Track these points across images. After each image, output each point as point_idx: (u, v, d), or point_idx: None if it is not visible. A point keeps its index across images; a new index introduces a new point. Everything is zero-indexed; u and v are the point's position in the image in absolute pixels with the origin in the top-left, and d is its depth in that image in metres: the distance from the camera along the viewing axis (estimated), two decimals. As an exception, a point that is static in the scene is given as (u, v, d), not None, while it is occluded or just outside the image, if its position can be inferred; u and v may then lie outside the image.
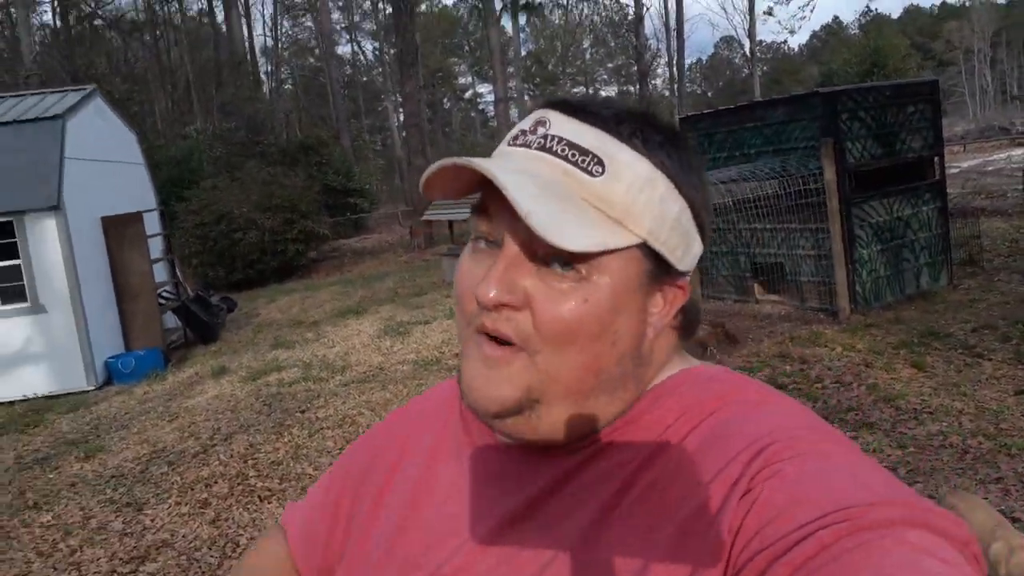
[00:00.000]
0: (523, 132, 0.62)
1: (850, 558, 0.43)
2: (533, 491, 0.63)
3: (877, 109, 6.99)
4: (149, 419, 6.54)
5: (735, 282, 7.89)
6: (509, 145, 0.63)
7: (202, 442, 5.69)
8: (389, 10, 33.52)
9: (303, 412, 6.06)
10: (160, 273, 9.99)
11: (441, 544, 0.66)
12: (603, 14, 60.44)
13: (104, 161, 9.44)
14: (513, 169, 0.57)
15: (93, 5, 32.72)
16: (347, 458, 0.85)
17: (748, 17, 37.52)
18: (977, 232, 8.31)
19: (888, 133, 7.06)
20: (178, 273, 10.87)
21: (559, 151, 0.59)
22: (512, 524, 0.62)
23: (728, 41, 67.59)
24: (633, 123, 0.61)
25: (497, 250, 0.60)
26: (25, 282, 8.13)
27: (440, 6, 56.97)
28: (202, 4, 40.82)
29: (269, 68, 47.18)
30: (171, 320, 10.06)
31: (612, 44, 66.26)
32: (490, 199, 0.59)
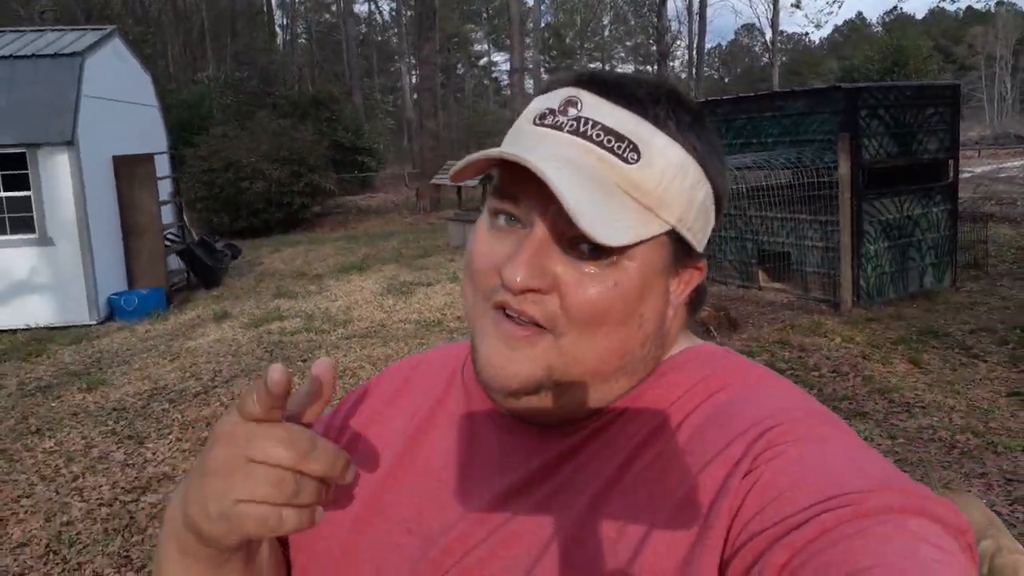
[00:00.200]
0: (551, 111, 0.59)
1: (850, 543, 0.44)
2: (534, 465, 0.62)
3: (897, 108, 7.00)
4: (151, 357, 6.61)
5: (740, 268, 7.94)
6: (536, 124, 0.60)
7: (203, 383, 5.77)
8: (411, -31, 33.15)
9: (304, 361, 6.13)
10: (167, 215, 10.01)
11: (435, 511, 0.65)
12: (626, -9, 59.79)
13: (119, 101, 9.42)
14: (551, 157, 0.55)
15: (112, -59, 32.29)
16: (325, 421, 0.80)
17: (772, 7, 37.15)
18: (984, 237, 8.35)
19: (905, 133, 7.07)
20: (184, 217, 10.89)
21: (594, 136, 0.57)
22: (511, 497, 0.62)
23: (749, 29, 67.03)
24: (666, 104, 0.60)
25: (519, 228, 0.59)
26: (34, 214, 8.17)
27: (462, -30, 56.31)
28: (222, -52, 40.31)
29: (285, 21, 46.78)
30: (174, 263, 10.10)
31: (632, 23, 65.59)
32: (517, 180, 0.56)
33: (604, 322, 0.58)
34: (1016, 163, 21.89)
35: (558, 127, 0.59)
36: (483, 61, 68.55)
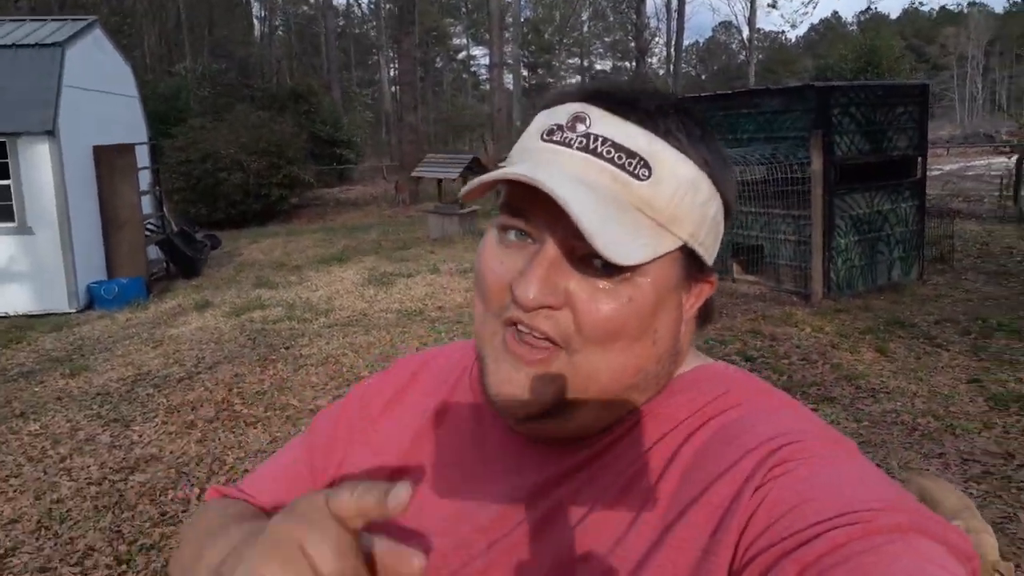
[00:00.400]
0: (559, 127, 0.59)
1: (861, 560, 0.44)
2: (540, 477, 0.62)
3: (868, 107, 7.20)
4: (133, 344, 6.66)
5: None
6: (543, 140, 0.59)
7: (187, 369, 5.83)
8: (391, -38, 33.05)
9: (287, 348, 6.21)
10: (146, 206, 10.01)
11: (437, 513, 0.65)
12: (605, -13, 59.97)
13: (100, 91, 9.41)
14: (563, 176, 0.55)
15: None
16: (318, 427, 0.81)
17: (749, 5, 37.51)
18: (950, 232, 8.60)
19: (876, 130, 7.28)
20: (164, 207, 10.88)
21: (604, 153, 0.57)
22: (516, 508, 0.62)
23: (726, 26, 67.51)
24: (675, 117, 0.59)
25: (530, 243, 0.58)
26: (14, 203, 8.17)
27: (441, -36, 56.13)
28: (199, -62, 39.88)
29: (262, 13, 46.40)
30: (153, 253, 10.10)
31: (611, 19, 65.78)
32: (527, 197, 0.56)
33: (618, 338, 0.57)
34: (984, 162, 22.38)
35: (567, 144, 0.58)
36: (462, 55, 68.42)
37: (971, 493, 3.37)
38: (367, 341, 6.29)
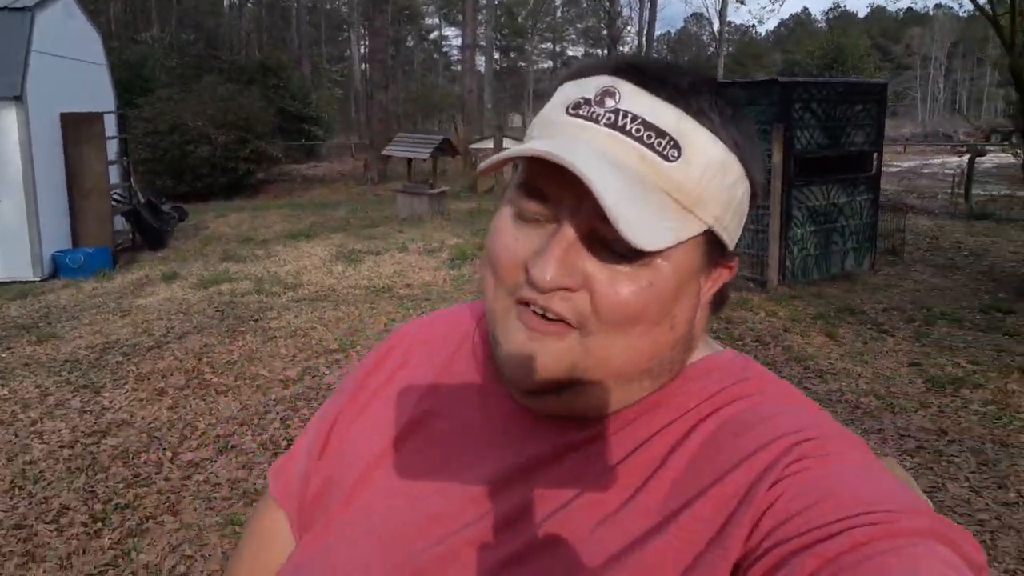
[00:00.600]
0: (586, 101, 0.57)
1: (884, 560, 0.43)
2: (534, 452, 0.61)
3: (828, 103, 7.45)
4: (100, 313, 6.68)
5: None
6: (568, 114, 0.57)
7: (156, 338, 5.88)
8: (364, -62, 32.69)
9: (256, 321, 6.29)
10: (113, 176, 9.92)
11: (432, 480, 0.65)
12: (578, -27, 60.00)
13: (68, 58, 9.30)
14: (591, 155, 0.53)
15: None
16: (329, 405, 0.81)
17: (720, -4, 37.84)
18: (902, 226, 8.94)
19: (835, 126, 7.53)
20: (131, 178, 10.79)
21: (633, 131, 0.55)
22: (510, 480, 0.61)
23: (698, 18, 68.04)
24: (708, 96, 0.57)
25: (547, 223, 0.57)
26: (-22, 167, 8.06)
27: (416, -59, 55.60)
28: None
29: (232, -19, 45.53)
30: (119, 224, 10.03)
31: (584, 5, 65.79)
32: (547, 175, 0.54)
33: (637, 323, 0.56)
34: (939, 160, 23.02)
35: (594, 119, 0.56)
36: (433, 35, 67.92)
37: (906, 465, 3.62)
38: (336, 316, 6.40)
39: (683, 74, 0.58)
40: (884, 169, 8.46)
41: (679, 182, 0.55)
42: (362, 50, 46.90)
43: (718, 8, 38.77)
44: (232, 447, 3.99)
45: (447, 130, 26.14)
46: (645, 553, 0.53)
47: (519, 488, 0.60)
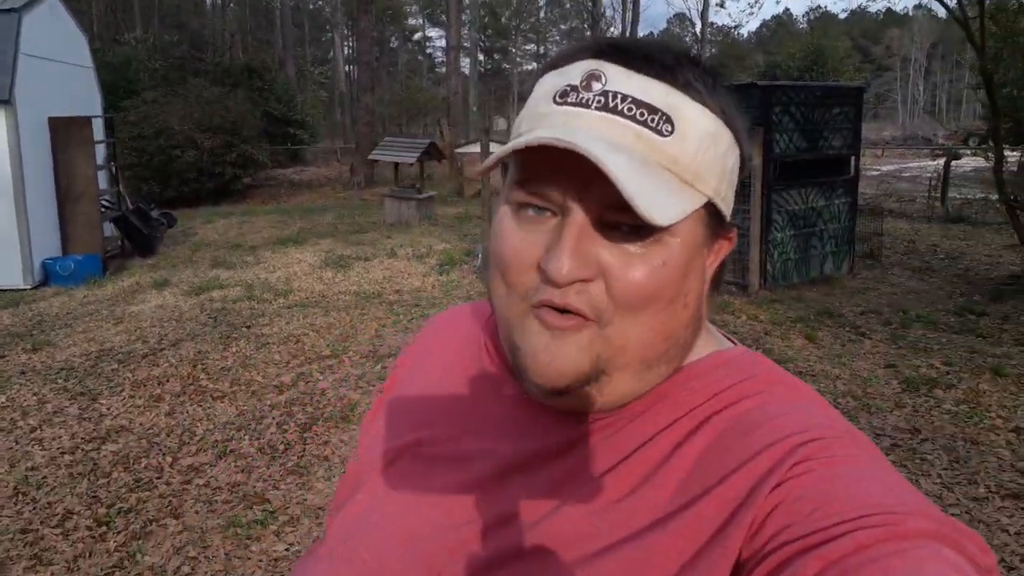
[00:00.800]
0: (573, 88, 0.56)
1: (888, 563, 0.43)
2: (540, 446, 0.62)
3: (807, 107, 7.64)
4: (93, 320, 6.75)
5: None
6: (556, 103, 0.57)
7: (150, 345, 5.97)
8: (348, -60, 32.71)
9: (248, 327, 6.39)
10: (101, 181, 9.96)
11: (432, 478, 0.66)
12: (562, -26, 60.26)
13: (55, 61, 9.33)
14: (588, 137, 0.52)
15: None
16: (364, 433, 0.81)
17: (702, 0, 38.18)
18: (880, 230, 9.15)
19: (813, 130, 7.73)
20: (120, 183, 10.83)
21: (625, 111, 0.55)
22: (511, 474, 0.62)
23: (681, 19, 68.45)
24: (690, 68, 0.57)
25: (551, 217, 0.56)
26: (-33, 174, 8.09)
27: (399, -57, 55.57)
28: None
29: (215, -17, 45.38)
30: (107, 230, 10.07)
31: (567, 6, 66.04)
32: (547, 167, 0.55)
33: (652, 303, 0.56)
34: (918, 164, 23.37)
35: (584, 104, 0.56)
36: (417, 36, 67.91)
37: (878, 465, 3.78)
38: (327, 322, 6.50)
39: (665, 50, 0.58)
40: (863, 173, 8.67)
41: (676, 156, 0.55)
42: (346, 51, 46.90)
43: (700, 9, 39.14)
44: (231, 451, 4.09)
45: (432, 133, 26.24)
46: (645, 545, 0.53)
47: (523, 481, 0.61)
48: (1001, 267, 8.61)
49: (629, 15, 37.54)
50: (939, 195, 13.18)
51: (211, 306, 7.19)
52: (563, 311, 0.55)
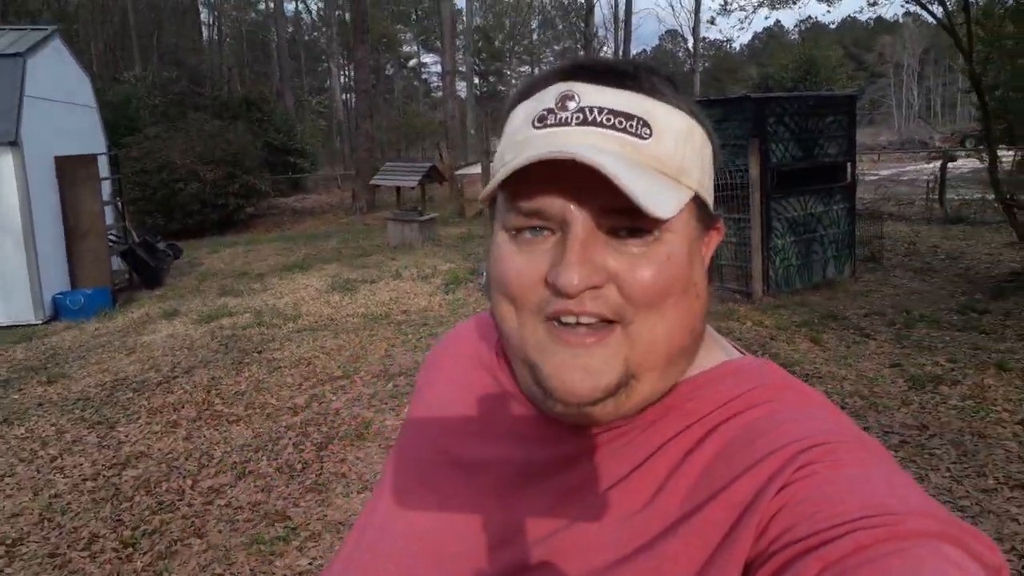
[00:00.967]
0: (549, 111, 0.58)
1: (887, 562, 0.43)
2: (549, 457, 0.63)
3: (800, 116, 7.76)
4: (106, 352, 6.84)
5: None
6: (536, 127, 0.59)
7: (163, 374, 6.05)
8: (341, -29, 33.17)
9: (260, 352, 6.47)
10: (107, 216, 10.10)
11: (445, 488, 0.68)
12: (553, -4, 60.87)
13: (60, 102, 9.52)
14: (579, 148, 0.54)
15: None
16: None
17: (694, 16, 38.58)
18: (880, 233, 9.24)
19: (808, 138, 7.84)
20: (126, 218, 10.97)
21: (604, 122, 0.57)
22: (520, 484, 0.63)
23: (673, 35, 68.95)
24: (653, 75, 0.60)
25: (550, 236, 0.58)
26: (-23, 213, 8.24)
27: (391, -28, 56.23)
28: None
29: (210, 19, 46.00)
30: (115, 263, 10.18)
31: (560, 27, 66.62)
32: (540, 187, 0.56)
33: (667, 297, 0.57)
34: (915, 167, 23.51)
35: (564, 123, 0.57)
36: (412, 63, 68.52)
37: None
38: (337, 344, 6.58)
39: (627, 63, 0.61)
40: (861, 178, 8.78)
41: (659, 155, 0.57)
42: (342, 80, 47.33)
43: (691, 25, 39.52)
44: (249, 472, 4.16)
45: (431, 157, 26.46)
46: (657, 553, 0.54)
47: (537, 492, 0.62)
48: (1002, 265, 8.68)
49: (621, 34, 37.93)
50: (937, 197, 13.28)
51: (221, 333, 7.28)
52: (579, 324, 0.56)
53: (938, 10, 8.43)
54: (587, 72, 0.59)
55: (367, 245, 13.08)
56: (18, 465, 4.46)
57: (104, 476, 4.24)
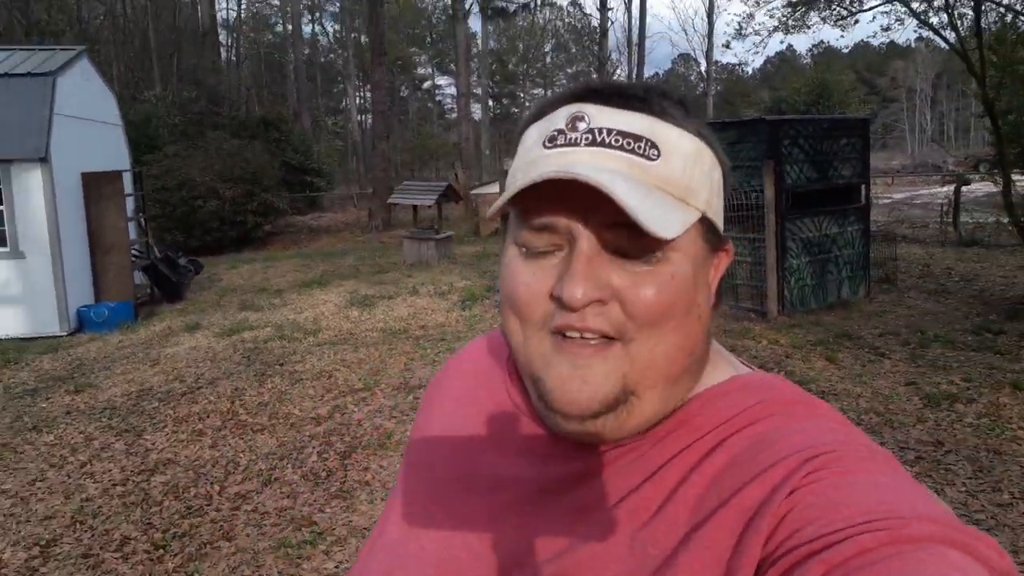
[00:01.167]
0: (560, 132, 0.60)
1: (887, 565, 0.43)
2: (560, 474, 0.64)
3: (814, 139, 7.86)
4: (131, 363, 6.97)
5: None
6: (546, 147, 0.60)
7: (188, 384, 6.17)
8: (359, -6, 33.69)
9: (281, 365, 6.58)
10: (131, 232, 10.29)
11: (453, 497, 0.69)
12: (566, 20, 61.45)
13: (87, 120, 9.76)
14: (586, 168, 0.55)
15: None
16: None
17: (707, 40, 38.90)
18: (894, 255, 9.29)
19: (822, 160, 7.94)
20: (148, 233, 11.18)
21: (612, 142, 0.58)
22: (533, 500, 0.64)
23: (685, 58, 69.38)
24: (663, 98, 0.61)
25: (559, 252, 0.59)
26: (7, 227, 8.44)
27: (408, -4, 56.99)
28: (167, -32, 40.11)
29: (229, 41, 46.72)
30: (137, 278, 10.36)
31: (573, 51, 67.16)
32: (547, 204, 0.58)
33: (670, 318, 0.57)
34: (929, 191, 23.54)
35: (574, 143, 0.59)
36: (427, 84, 69.20)
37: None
38: (357, 357, 6.69)
39: (637, 86, 0.62)
40: (875, 201, 8.85)
41: (667, 176, 0.58)
42: (358, 101, 47.92)
43: (704, 49, 39.83)
44: (275, 479, 4.26)
45: (445, 177, 26.69)
46: (671, 565, 0.54)
47: (550, 508, 0.63)
48: (1016, 287, 8.71)
49: (635, 57, 38.26)
50: (951, 220, 13.31)
51: (243, 346, 7.40)
52: (583, 338, 0.57)
53: (951, 35, 8.56)
54: (598, 95, 0.60)
55: (384, 262, 13.24)
56: (48, 471, 4.57)
57: (133, 481, 4.34)
